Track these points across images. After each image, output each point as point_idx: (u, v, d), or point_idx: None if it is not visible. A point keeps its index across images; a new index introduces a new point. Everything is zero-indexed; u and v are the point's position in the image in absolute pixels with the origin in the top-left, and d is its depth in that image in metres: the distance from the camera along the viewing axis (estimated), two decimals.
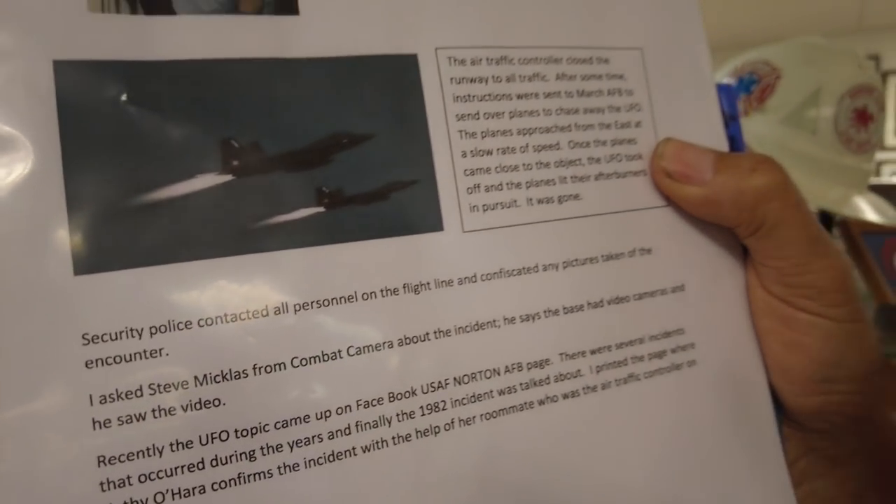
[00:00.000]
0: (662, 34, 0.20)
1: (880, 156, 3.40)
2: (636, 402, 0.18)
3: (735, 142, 0.21)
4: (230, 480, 0.13)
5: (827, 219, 0.80)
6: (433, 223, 0.16)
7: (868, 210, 0.67)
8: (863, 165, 0.67)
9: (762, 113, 0.67)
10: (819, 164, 0.65)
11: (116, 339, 0.13)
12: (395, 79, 0.16)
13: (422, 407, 0.15)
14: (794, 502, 0.20)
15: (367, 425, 0.15)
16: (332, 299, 0.15)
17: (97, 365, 0.13)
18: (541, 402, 0.17)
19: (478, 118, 0.17)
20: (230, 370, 0.14)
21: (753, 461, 0.19)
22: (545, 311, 0.17)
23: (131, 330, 0.13)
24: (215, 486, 0.13)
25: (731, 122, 0.20)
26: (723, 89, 0.20)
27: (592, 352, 0.17)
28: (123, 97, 0.14)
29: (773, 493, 0.19)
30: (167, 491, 0.13)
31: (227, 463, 0.13)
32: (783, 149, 0.66)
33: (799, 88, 0.66)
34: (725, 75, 0.73)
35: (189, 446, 0.13)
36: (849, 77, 0.65)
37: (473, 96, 0.17)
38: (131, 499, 0.13)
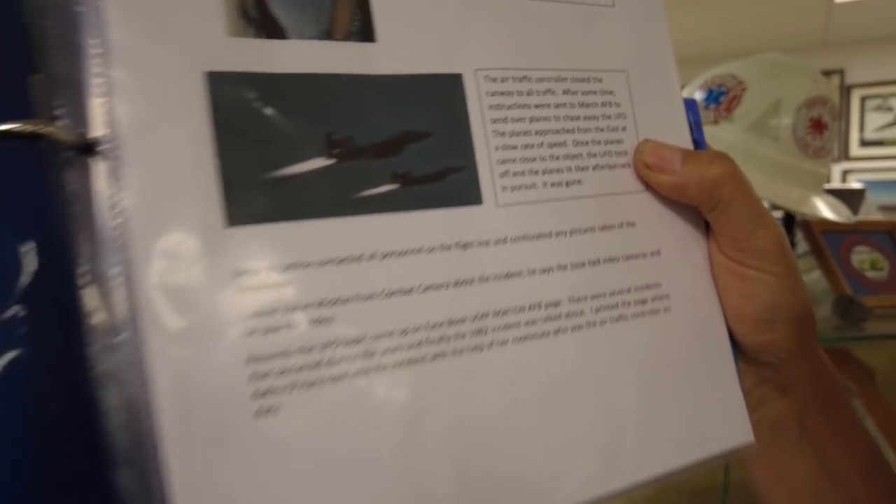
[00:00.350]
0: (642, 60, 0.26)
1: (846, 165, 3.57)
2: (625, 335, 0.23)
3: (699, 143, 0.26)
4: (340, 376, 0.19)
5: (789, 219, 0.87)
6: (475, 198, 0.22)
7: (825, 209, 0.74)
8: (819, 169, 0.75)
9: (730, 121, 0.74)
10: (780, 167, 0.72)
11: (259, 273, 0.18)
12: (446, 91, 0.22)
13: (470, 331, 0.21)
14: (748, 418, 0.25)
15: (433, 341, 0.20)
16: (407, 250, 0.20)
17: (241, 292, 0.18)
18: (555, 333, 0.22)
19: (506, 122, 0.23)
20: (337, 297, 0.19)
21: (715, 386, 0.25)
22: (557, 266, 0.23)
23: (269, 267, 0.18)
24: (328, 380, 0.18)
25: (695, 127, 0.26)
26: (688, 102, 0.26)
27: (592, 297, 0.23)
28: (255, 99, 0.19)
29: (732, 412, 0.25)
30: (292, 383, 0.18)
31: (337, 363, 0.19)
32: (749, 153, 0.73)
33: (762, 100, 0.73)
34: (697, 87, 0.80)
35: (306, 351, 0.18)
36: (805, 90, 0.72)
37: (503, 105, 0.23)
38: (269, 388, 0.18)
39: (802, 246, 1.05)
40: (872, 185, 2.52)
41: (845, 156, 3.56)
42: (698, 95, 0.78)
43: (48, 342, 0.17)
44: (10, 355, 0.16)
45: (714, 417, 0.25)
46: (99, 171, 0.17)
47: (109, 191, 0.17)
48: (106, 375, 0.16)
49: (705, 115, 0.76)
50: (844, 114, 3.58)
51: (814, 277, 0.99)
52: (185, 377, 0.17)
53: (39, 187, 0.16)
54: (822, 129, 0.73)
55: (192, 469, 0.16)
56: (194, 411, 0.17)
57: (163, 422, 0.16)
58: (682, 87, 0.82)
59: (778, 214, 0.92)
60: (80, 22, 0.17)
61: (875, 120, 3.52)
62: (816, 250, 0.87)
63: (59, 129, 0.16)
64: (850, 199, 1.16)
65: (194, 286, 0.17)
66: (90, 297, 0.17)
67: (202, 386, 0.17)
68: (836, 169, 3.48)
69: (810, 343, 0.26)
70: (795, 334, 0.25)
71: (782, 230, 0.25)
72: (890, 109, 3.45)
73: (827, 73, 3.52)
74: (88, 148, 0.17)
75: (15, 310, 0.17)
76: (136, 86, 0.17)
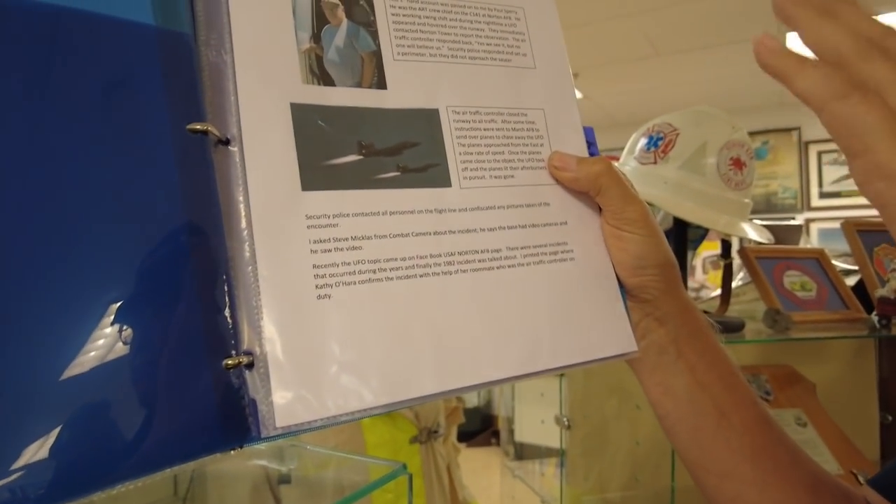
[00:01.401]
0: (554, 102, 0.40)
1: (808, 214, 3.79)
2: (543, 272, 0.36)
3: (593, 155, 0.40)
4: (365, 281, 0.31)
5: (727, 246, 1.02)
6: (447, 183, 0.35)
7: (750, 231, 0.89)
8: (743, 199, 0.90)
9: (666, 161, 0.89)
10: (710, 198, 0.87)
11: (320, 217, 0.31)
12: (429, 119, 0.36)
13: (444, 262, 0.34)
14: (633, 335, 0.38)
15: (421, 266, 0.33)
16: (405, 211, 0.33)
17: (310, 228, 0.31)
18: (497, 268, 0.35)
19: (465, 138, 0.37)
20: (363, 235, 0.32)
21: (608, 310, 0.38)
22: (498, 227, 0.36)
23: (324, 215, 0.31)
24: (358, 283, 0.31)
25: (591, 146, 0.40)
26: (586, 129, 0.40)
27: (521, 248, 0.36)
28: (317, 119, 0.33)
29: (621, 329, 0.38)
30: (337, 283, 0.31)
31: (363, 273, 0.31)
32: (683, 187, 0.88)
33: (691, 143, 0.89)
34: (641, 134, 0.96)
35: (346, 264, 0.31)
36: (725, 134, 0.88)
37: (464, 128, 0.37)
38: (324, 283, 0.30)
39: (748, 277, 1.19)
40: (833, 233, 2.68)
41: (807, 206, 3.81)
42: (642, 140, 0.94)
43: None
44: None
45: (608, 331, 0.37)
46: (233, 153, 0.30)
47: (238, 163, 0.30)
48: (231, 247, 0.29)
49: (647, 157, 0.91)
50: (804, 167, 3.84)
51: (761, 306, 1.13)
52: (279, 265, 0.29)
53: (207, 155, 0.29)
54: (741, 166, 0.88)
55: (281, 319, 0.29)
56: (283, 288, 0.29)
57: (263, 289, 0.29)
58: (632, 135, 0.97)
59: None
60: (224, 71, 0.31)
61: (832, 173, 3.79)
62: (752, 272, 1.01)
63: (214, 128, 0.30)
64: (790, 233, 1.32)
65: (285, 220, 0.30)
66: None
67: (288, 275, 0.30)
68: (800, 218, 3.71)
69: (674, 284, 0.39)
70: (660, 276, 0.38)
71: (645, 206, 0.38)
72: (845, 163, 3.70)
73: (786, 130, 3.80)
74: (227, 141, 0.30)
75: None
76: (254, 107, 0.31)
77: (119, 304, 0.26)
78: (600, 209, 0.39)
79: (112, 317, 0.25)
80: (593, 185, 0.37)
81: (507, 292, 0.35)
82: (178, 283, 0.27)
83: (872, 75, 0.23)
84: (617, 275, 0.39)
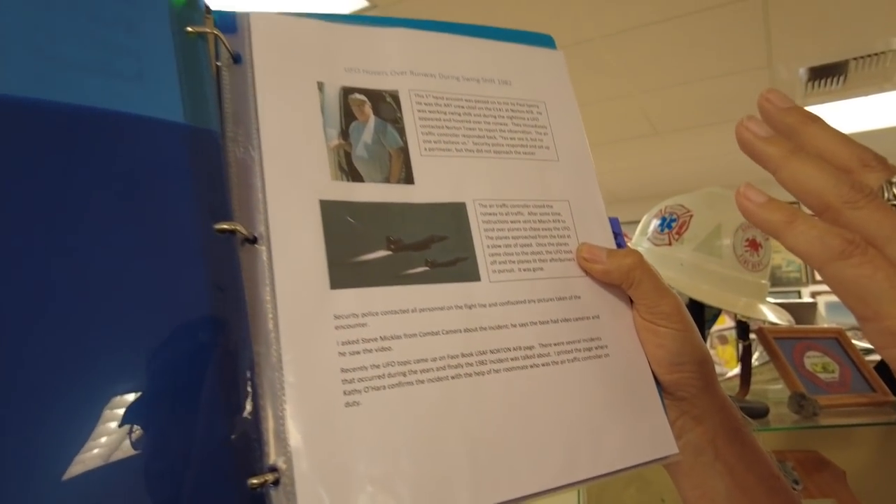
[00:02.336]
0: (579, 193, 0.39)
1: (813, 287, 3.77)
2: (578, 370, 0.35)
3: (620, 246, 0.39)
4: (395, 385, 0.30)
5: (744, 327, 1.00)
6: (476, 277, 0.34)
7: (769, 314, 0.87)
8: (760, 280, 0.88)
9: (681, 243, 0.89)
10: (727, 279, 0.86)
11: (348, 317, 0.30)
12: (456, 212, 0.35)
13: (475, 362, 0.32)
14: (672, 436, 0.35)
15: (452, 366, 0.31)
16: (434, 307, 0.32)
17: (338, 329, 0.30)
18: (531, 366, 0.33)
19: (493, 231, 0.36)
20: (393, 335, 0.30)
21: (646, 410, 0.36)
22: (530, 322, 0.35)
23: (352, 315, 0.30)
24: (388, 387, 0.29)
25: (617, 237, 0.39)
26: (612, 220, 0.40)
27: (555, 344, 0.35)
28: (347, 215, 0.32)
29: (660, 430, 0.35)
30: (366, 388, 0.29)
31: (392, 376, 0.30)
32: (700, 269, 0.87)
33: (705, 225, 0.88)
34: (653, 216, 0.96)
35: (375, 367, 0.30)
36: (738, 216, 0.88)
37: (491, 221, 0.36)
38: (353, 389, 0.29)
39: (763, 356, 1.16)
40: (839, 306, 2.64)
41: (812, 279, 3.80)
42: (654, 222, 0.94)
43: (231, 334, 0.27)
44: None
45: (647, 432, 0.35)
46: (260, 252, 0.29)
47: (266, 262, 0.29)
48: (260, 367, 0.27)
49: (661, 238, 0.91)
50: None
51: (779, 387, 1.09)
52: (306, 371, 0.28)
53: (232, 257, 0.28)
54: (757, 247, 0.88)
55: (308, 430, 0.27)
56: (310, 395, 0.28)
57: (290, 396, 0.27)
58: (643, 216, 0.98)
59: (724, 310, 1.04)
60: (251, 168, 0.31)
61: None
62: (772, 353, 0.98)
63: (241, 226, 0.29)
64: (804, 311, 1.29)
65: (313, 321, 0.29)
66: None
67: (316, 381, 0.28)
68: (805, 291, 3.68)
69: (711, 381, 0.37)
70: (698, 373, 0.36)
71: (679, 299, 0.37)
72: None
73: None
74: (254, 239, 0.29)
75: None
76: (282, 204, 0.30)
77: (140, 411, 0.24)
78: (631, 302, 0.38)
79: (131, 425, 0.24)
80: (626, 279, 0.36)
81: (543, 394, 0.33)
82: (203, 390, 0.25)
83: (864, 226, 0.22)
84: (653, 371, 0.37)
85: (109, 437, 0.23)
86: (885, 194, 0.23)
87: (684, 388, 0.37)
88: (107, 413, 0.24)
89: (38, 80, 0.24)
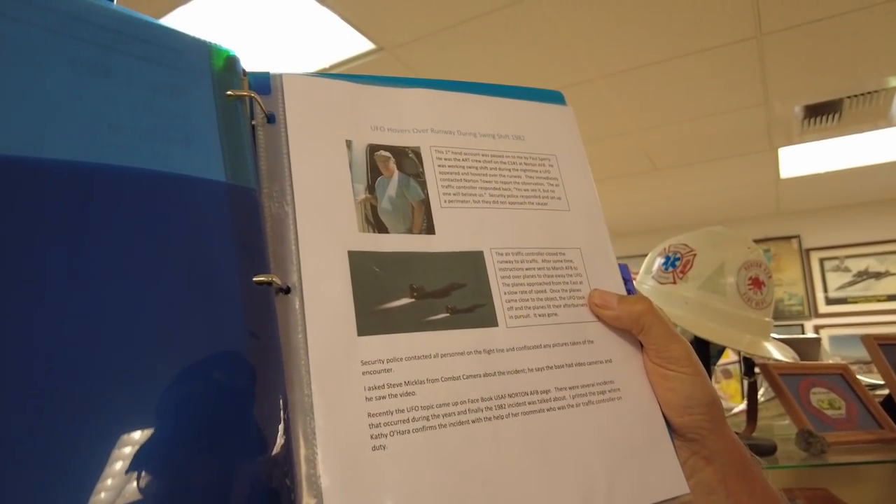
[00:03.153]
0: (589, 241, 0.41)
1: (816, 321, 3.77)
2: (593, 413, 0.36)
3: (630, 292, 0.41)
4: (419, 429, 0.31)
5: (749, 363, 1.01)
6: (494, 322, 0.36)
7: (774, 351, 0.88)
8: (764, 318, 0.90)
9: (685, 282, 0.90)
10: (731, 317, 0.87)
11: (374, 363, 0.32)
12: (474, 261, 0.37)
13: (495, 406, 0.33)
14: (683, 476, 0.37)
15: (472, 410, 0.33)
16: (455, 353, 0.34)
17: (365, 374, 0.31)
18: (548, 410, 0.35)
19: (509, 277, 0.38)
20: (416, 380, 0.32)
21: (657, 452, 0.37)
22: (546, 367, 0.36)
23: (378, 360, 0.32)
24: (412, 431, 0.31)
25: (627, 283, 0.41)
26: (622, 266, 0.41)
27: (570, 388, 0.36)
28: (372, 265, 0.34)
29: (671, 470, 0.37)
30: (391, 432, 0.30)
31: (416, 420, 0.31)
32: (705, 307, 0.88)
33: (709, 263, 0.90)
34: (657, 254, 0.98)
35: (400, 411, 0.31)
36: (742, 255, 0.90)
37: (507, 269, 0.38)
38: (379, 433, 0.30)
39: (768, 392, 1.17)
40: (844, 340, 2.64)
41: (815, 313, 3.80)
42: (658, 260, 0.96)
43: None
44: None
45: (658, 473, 0.36)
46: (293, 301, 0.31)
47: (299, 311, 0.31)
48: (296, 410, 0.29)
49: (665, 276, 0.93)
50: (807, 274, 3.88)
51: (785, 423, 1.09)
52: (335, 415, 0.29)
53: (271, 306, 0.30)
54: (760, 285, 0.89)
55: (337, 473, 0.28)
56: (339, 439, 0.29)
57: (320, 440, 0.28)
58: (652, 251, 1.00)
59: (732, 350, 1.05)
60: (286, 222, 0.33)
61: (836, 279, 3.81)
62: (777, 390, 0.99)
63: (276, 278, 0.31)
64: (808, 347, 1.30)
65: (341, 366, 0.31)
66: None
67: (345, 425, 0.29)
68: (808, 325, 3.68)
69: (720, 423, 0.39)
70: (708, 415, 0.38)
71: (688, 344, 0.39)
72: (848, 270, 3.75)
73: (786, 238, 3.87)
74: (288, 289, 0.31)
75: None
76: (314, 256, 0.32)
77: (178, 452, 0.25)
78: (641, 346, 0.39)
79: (168, 466, 0.25)
80: (636, 324, 0.38)
81: (559, 438, 0.34)
82: (240, 432, 0.27)
83: None
84: (663, 413, 0.38)
85: (146, 478, 0.25)
86: None
87: (694, 430, 0.38)
88: (145, 455, 0.25)
89: (98, 145, 0.26)
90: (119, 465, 0.24)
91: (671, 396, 0.38)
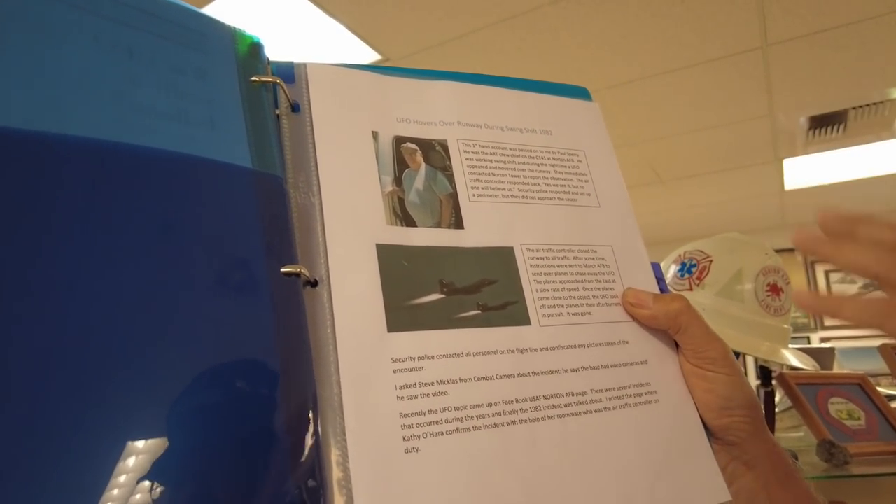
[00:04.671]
0: (621, 238, 0.40)
1: (823, 333, 3.74)
2: (630, 416, 0.34)
3: (663, 290, 0.40)
4: (452, 431, 0.29)
5: (766, 373, 0.99)
6: (526, 321, 0.34)
7: (793, 359, 0.86)
8: (782, 325, 0.88)
9: (702, 288, 0.89)
10: (749, 324, 0.86)
11: (405, 361, 0.30)
12: (505, 257, 0.35)
13: (530, 408, 0.32)
14: (723, 482, 0.35)
15: (507, 412, 0.31)
16: (487, 352, 0.32)
17: (396, 372, 0.29)
18: (584, 412, 0.33)
19: (540, 275, 0.36)
20: (449, 379, 0.30)
21: (697, 456, 0.35)
22: (581, 368, 0.34)
23: (409, 358, 0.30)
24: (445, 432, 0.29)
25: (660, 282, 0.40)
26: (654, 265, 0.40)
27: (606, 390, 0.34)
28: (401, 259, 0.32)
29: (711, 476, 0.35)
30: (424, 434, 0.29)
31: (450, 421, 0.29)
32: (721, 314, 0.86)
33: (726, 270, 0.89)
34: (672, 261, 0.96)
35: (433, 412, 0.29)
36: (760, 261, 0.88)
37: (538, 265, 0.36)
38: (412, 435, 0.28)
39: (785, 402, 1.15)
40: (852, 353, 2.61)
41: (821, 325, 3.77)
42: (673, 268, 0.94)
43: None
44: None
45: (698, 479, 0.34)
46: (321, 294, 0.30)
47: (327, 305, 0.29)
48: (323, 414, 0.27)
49: (681, 283, 0.91)
50: (812, 287, 3.85)
51: (798, 435, 1.07)
52: (366, 416, 0.28)
53: (299, 298, 0.29)
54: (778, 291, 0.88)
55: (369, 476, 0.27)
56: (370, 440, 0.27)
57: (350, 441, 0.27)
58: (661, 261, 0.98)
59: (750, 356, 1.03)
60: (312, 213, 0.31)
61: (841, 291, 3.78)
62: (795, 400, 0.97)
63: (304, 269, 0.29)
64: (823, 357, 1.28)
65: (371, 364, 0.29)
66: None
67: (375, 427, 0.28)
68: (814, 337, 3.65)
69: (760, 426, 0.37)
70: (748, 418, 0.36)
71: (726, 344, 0.37)
72: (853, 282, 3.73)
73: (790, 251, 3.85)
74: (315, 282, 0.30)
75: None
76: (341, 248, 0.31)
77: (206, 448, 0.24)
78: (677, 346, 0.38)
79: (195, 469, 0.23)
80: (673, 324, 0.36)
81: (597, 442, 0.33)
82: (269, 430, 0.25)
83: None
84: (701, 416, 0.36)
85: (171, 477, 0.23)
86: None
87: (734, 433, 0.36)
88: (169, 454, 0.23)
89: (120, 124, 0.25)
90: (142, 464, 0.23)
91: (710, 398, 0.36)
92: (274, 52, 0.35)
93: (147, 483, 0.22)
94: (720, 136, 2.66)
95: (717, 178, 3.15)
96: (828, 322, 3.77)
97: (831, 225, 0.33)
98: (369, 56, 2.01)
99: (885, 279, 0.29)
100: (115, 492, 0.22)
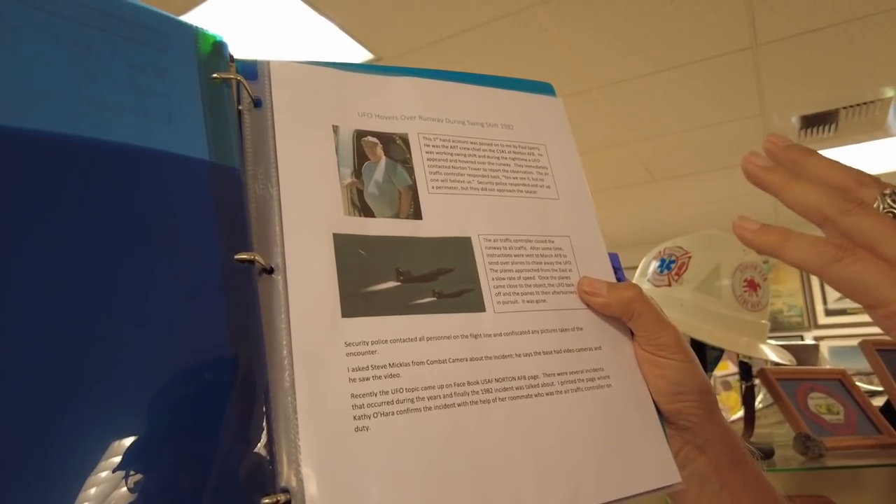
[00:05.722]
0: (579, 229, 0.41)
1: (816, 332, 3.75)
2: (582, 400, 0.35)
3: (620, 280, 0.41)
4: (403, 411, 0.30)
5: (746, 368, 1.00)
6: (481, 307, 0.35)
7: (771, 353, 0.87)
8: (760, 320, 0.89)
9: (680, 284, 0.90)
10: (727, 319, 0.87)
11: (358, 345, 0.31)
12: (462, 246, 0.37)
13: (481, 390, 0.33)
14: (675, 465, 0.36)
15: (458, 394, 0.32)
16: (441, 336, 0.33)
17: (349, 356, 0.31)
18: (536, 396, 0.34)
19: (497, 264, 0.37)
20: (401, 362, 0.32)
21: (648, 439, 0.36)
22: (534, 353, 0.36)
23: (362, 342, 0.31)
24: (396, 413, 0.30)
25: (617, 271, 0.41)
26: (612, 255, 0.41)
27: (558, 374, 0.36)
28: (358, 248, 0.34)
29: (662, 459, 0.36)
30: (375, 413, 0.30)
31: (399, 402, 0.31)
32: (700, 309, 0.88)
33: (704, 266, 0.90)
34: (652, 258, 0.98)
35: (384, 393, 0.31)
36: (737, 257, 0.90)
37: (495, 255, 0.38)
38: (362, 414, 0.30)
39: (767, 399, 1.16)
40: (844, 351, 2.62)
41: (815, 324, 3.79)
42: (654, 263, 0.96)
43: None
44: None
45: (650, 461, 0.36)
46: (276, 282, 0.31)
47: (282, 292, 0.31)
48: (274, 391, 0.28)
49: (660, 279, 0.92)
50: (806, 285, 3.87)
51: (784, 430, 1.08)
52: (317, 396, 0.29)
53: (252, 285, 0.30)
54: (755, 287, 0.89)
55: (319, 454, 0.28)
56: (321, 420, 0.29)
57: (301, 420, 0.28)
58: (643, 258, 0.99)
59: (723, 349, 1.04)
60: (270, 203, 0.32)
61: (835, 291, 3.79)
62: (774, 394, 0.98)
63: (259, 257, 0.31)
64: (806, 353, 1.29)
65: (325, 348, 0.30)
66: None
67: (327, 406, 0.29)
68: (808, 336, 3.67)
69: (713, 411, 0.38)
70: (699, 402, 0.37)
71: (678, 331, 0.38)
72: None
73: None
74: (271, 270, 0.31)
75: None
76: (298, 236, 0.32)
77: (158, 429, 0.25)
78: (632, 333, 0.39)
79: (150, 449, 0.25)
80: (626, 311, 0.37)
81: (547, 423, 0.34)
82: (221, 415, 0.26)
83: (856, 229, 0.26)
84: (654, 401, 0.38)
85: (126, 454, 0.24)
86: (881, 205, 0.27)
87: (686, 418, 0.37)
88: (122, 440, 0.24)
89: (77, 118, 0.26)
90: (94, 452, 0.24)
91: (662, 383, 0.37)
92: (265, 52, 0.36)
93: (100, 472, 0.23)
94: (712, 135, 2.68)
95: (709, 177, 3.17)
96: (821, 321, 3.79)
97: (780, 153, 0.30)
98: (362, 55, 2.03)
99: (835, 222, 0.26)
100: (67, 481, 0.23)
